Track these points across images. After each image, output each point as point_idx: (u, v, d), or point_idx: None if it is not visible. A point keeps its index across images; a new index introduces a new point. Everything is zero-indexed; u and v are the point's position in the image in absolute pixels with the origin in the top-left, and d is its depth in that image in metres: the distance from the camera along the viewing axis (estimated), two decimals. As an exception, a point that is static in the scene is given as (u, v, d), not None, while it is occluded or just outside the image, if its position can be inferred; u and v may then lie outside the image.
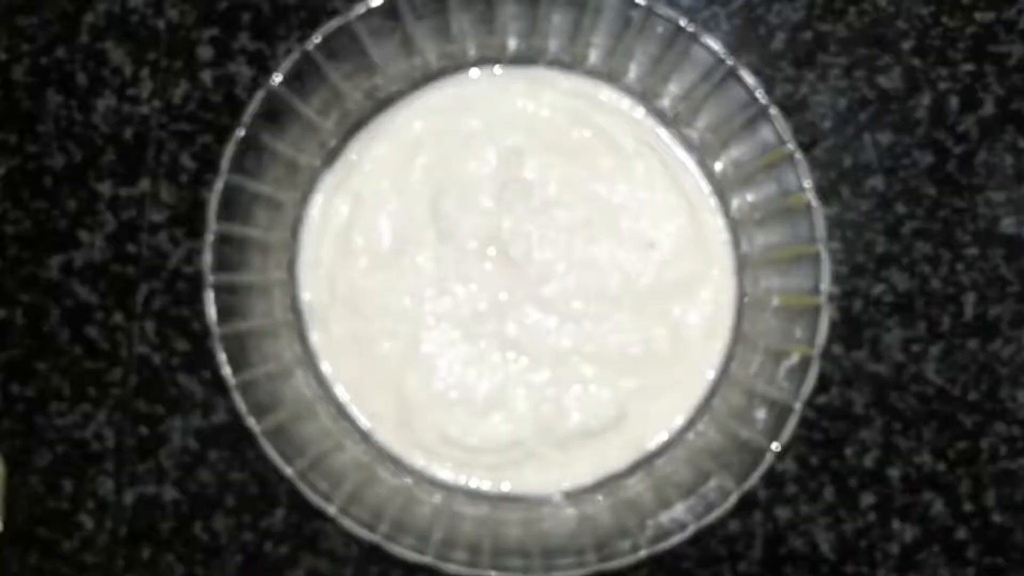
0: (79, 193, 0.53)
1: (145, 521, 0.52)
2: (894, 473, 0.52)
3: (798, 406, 0.42)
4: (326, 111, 0.46)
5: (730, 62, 0.43)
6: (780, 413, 0.43)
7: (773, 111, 0.43)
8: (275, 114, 0.45)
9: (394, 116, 0.48)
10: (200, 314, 0.46)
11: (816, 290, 0.43)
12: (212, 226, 0.43)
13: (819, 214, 0.43)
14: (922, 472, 0.52)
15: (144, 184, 0.53)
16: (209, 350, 0.44)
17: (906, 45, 0.53)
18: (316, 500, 0.41)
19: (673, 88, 0.46)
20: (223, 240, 0.43)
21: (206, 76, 0.54)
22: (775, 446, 0.42)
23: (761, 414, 0.44)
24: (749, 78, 0.43)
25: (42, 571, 0.51)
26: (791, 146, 0.43)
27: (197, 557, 0.52)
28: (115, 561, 0.52)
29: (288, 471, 0.41)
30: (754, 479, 0.43)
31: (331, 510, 0.41)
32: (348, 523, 0.41)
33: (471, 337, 0.46)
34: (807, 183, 0.42)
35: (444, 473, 0.46)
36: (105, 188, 0.53)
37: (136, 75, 0.54)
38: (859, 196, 0.53)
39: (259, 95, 0.44)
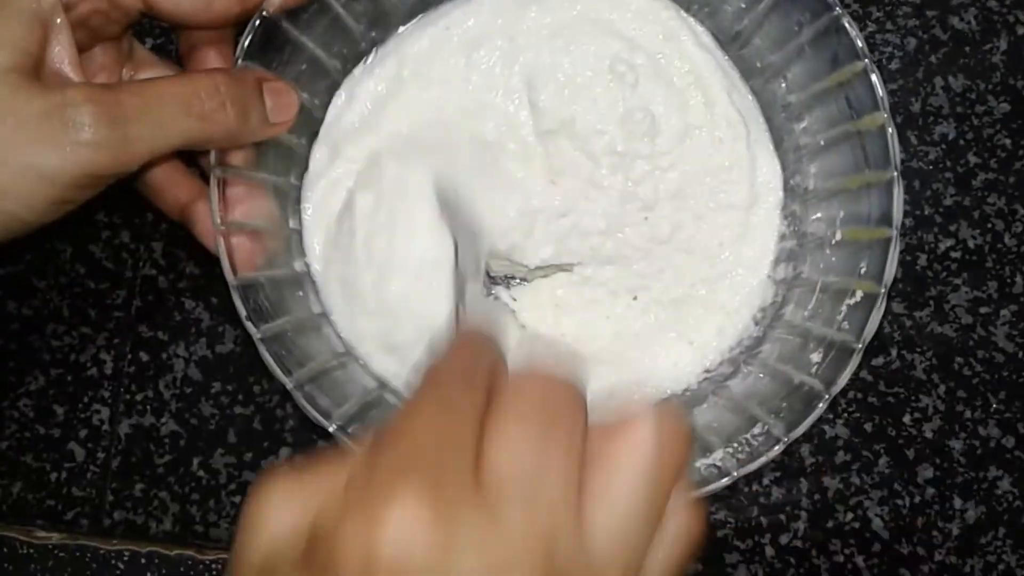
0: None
1: (139, 454, 0.48)
2: (956, 445, 0.47)
3: (860, 346, 0.38)
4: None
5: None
6: (838, 355, 0.39)
7: (847, 20, 0.39)
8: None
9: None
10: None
11: (885, 221, 0.38)
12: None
13: (894, 137, 0.38)
14: (988, 446, 0.47)
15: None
16: (219, 276, 0.40)
17: (983, -15, 0.50)
18: (314, 414, 0.37)
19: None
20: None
21: None
22: (832, 390, 0.38)
23: (816, 357, 0.40)
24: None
25: (25, 502, 0.48)
26: (867, 60, 0.39)
27: (192, 496, 0.48)
28: (104, 495, 0.48)
29: (286, 381, 0.37)
30: (805, 426, 0.39)
31: (331, 426, 0.37)
32: (347, 442, 0.37)
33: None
34: (883, 100, 0.38)
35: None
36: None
37: None
38: (927, 143, 0.49)
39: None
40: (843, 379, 0.38)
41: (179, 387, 0.48)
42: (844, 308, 0.39)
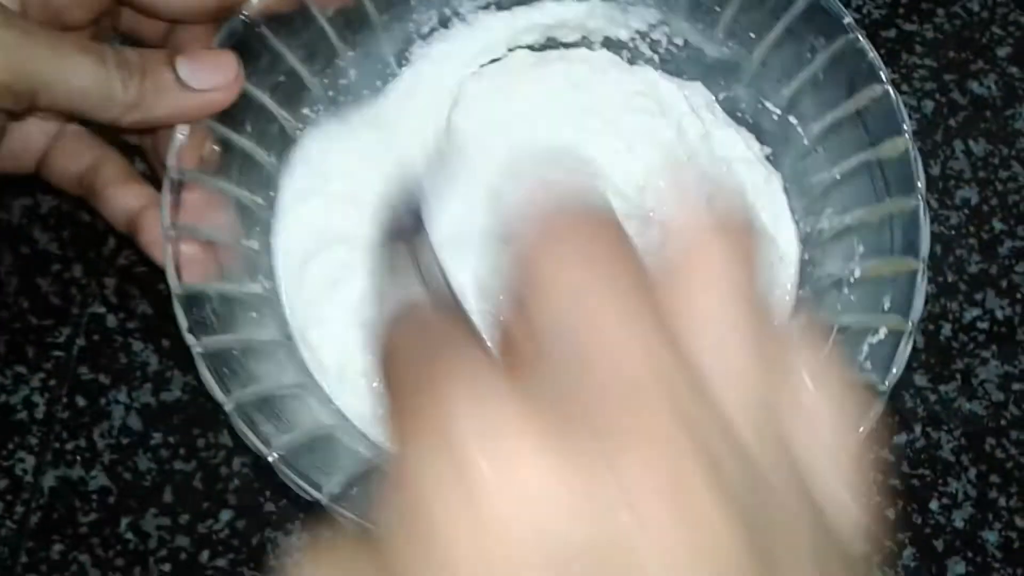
0: (60, 135, 0.47)
1: (63, 510, 0.42)
2: (991, 537, 0.41)
3: (885, 387, 0.33)
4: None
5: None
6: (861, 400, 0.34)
7: (864, 42, 0.36)
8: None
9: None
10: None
11: (911, 251, 0.35)
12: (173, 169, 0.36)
13: (918, 161, 0.35)
14: (1028, 541, 0.41)
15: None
16: (173, 316, 0.36)
17: (1002, 52, 0.47)
18: (253, 441, 0.32)
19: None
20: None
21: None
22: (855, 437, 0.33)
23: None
24: (834, 4, 0.37)
25: (-74, 560, 0.42)
26: (887, 83, 0.36)
27: (117, 562, 0.42)
28: (17, 555, 0.42)
29: (224, 400, 0.32)
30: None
31: (271, 455, 0.32)
32: (289, 474, 0.32)
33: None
34: (906, 122, 0.35)
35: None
36: (89, 132, 0.47)
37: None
38: (948, 208, 0.45)
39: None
40: (867, 424, 0.33)
41: (115, 437, 0.43)
42: (865, 348, 0.35)
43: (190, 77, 0.35)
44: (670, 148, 0.41)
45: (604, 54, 0.44)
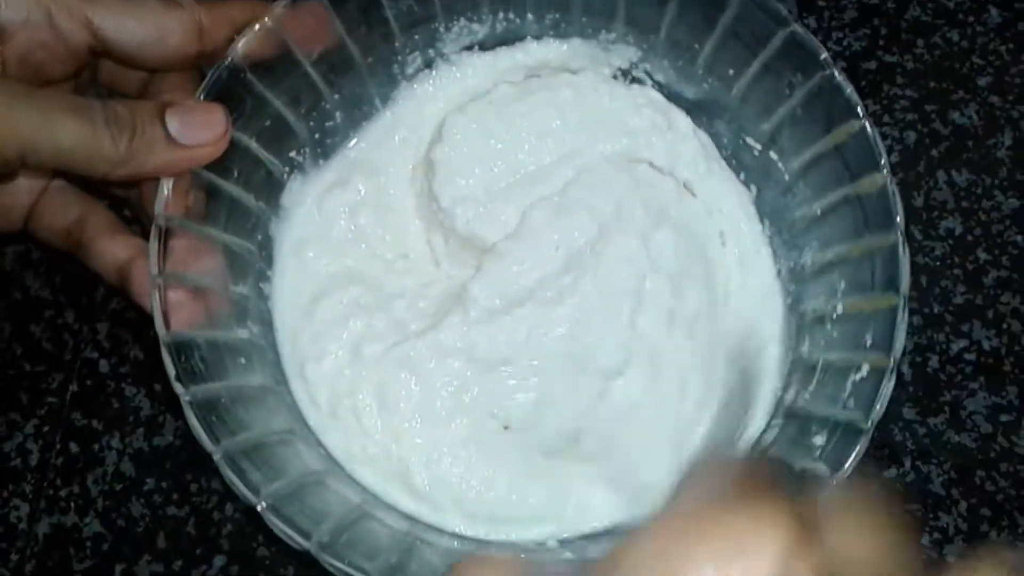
0: (52, 183, 0.48)
1: (57, 558, 0.42)
2: (984, 570, 0.41)
3: (868, 425, 0.33)
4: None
5: (792, 20, 0.37)
6: (844, 437, 0.34)
7: (841, 78, 0.37)
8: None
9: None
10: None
11: (892, 287, 0.35)
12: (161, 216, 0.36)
13: (896, 196, 0.35)
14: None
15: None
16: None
17: (982, 81, 0.48)
18: (242, 490, 0.32)
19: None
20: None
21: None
22: (838, 475, 0.33)
23: (820, 440, 0.35)
24: (810, 40, 0.37)
25: (-79, 610, 0.42)
26: (864, 119, 0.36)
27: (110, 609, 0.42)
28: (11, 604, 0.42)
29: (213, 450, 0.33)
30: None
31: (259, 504, 0.32)
32: (277, 523, 0.32)
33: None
34: (883, 158, 0.35)
35: (405, 502, 0.38)
36: (81, 179, 0.48)
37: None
38: (932, 238, 0.46)
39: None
40: (851, 462, 0.33)
41: (108, 483, 0.43)
42: (849, 385, 0.35)
43: (180, 133, 0.35)
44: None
45: (589, 75, 0.44)
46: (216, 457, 0.33)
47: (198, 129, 0.35)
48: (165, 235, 0.36)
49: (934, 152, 0.47)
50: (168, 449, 0.44)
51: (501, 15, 0.43)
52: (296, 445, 0.37)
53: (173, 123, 0.35)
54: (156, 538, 0.43)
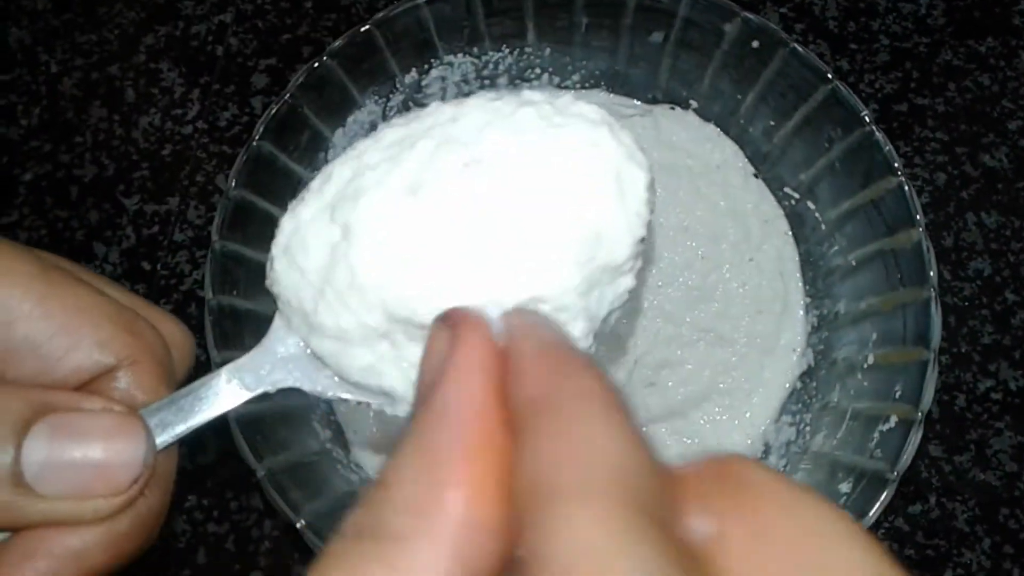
0: (103, 206, 0.50)
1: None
2: (1007, 609, 0.42)
3: (894, 476, 0.34)
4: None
5: (829, 74, 0.38)
6: (870, 485, 0.35)
7: (880, 135, 0.38)
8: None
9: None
10: (205, 345, 0.39)
11: (922, 342, 0.36)
12: (216, 242, 0.38)
13: (931, 253, 0.36)
14: (1043, 612, 0.42)
15: (172, 202, 0.49)
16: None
17: (1013, 125, 0.49)
18: (283, 507, 0.34)
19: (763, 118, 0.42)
20: (227, 260, 0.38)
21: (256, 102, 0.51)
22: (862, 522, 0.34)
23: (846, 487, 0.36)
24: (852, 97, 0.38)
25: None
26: (901, 176, 0.37)
27: (151, 622, 0.43)
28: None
29: (257, 467, 0.34)
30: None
31: (298, 522, 0.33)
32: (316, 542, 0.33)
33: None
34: (919, 215, 0.36)
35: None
36: (131, 203, 0.49)
37: (186, 96, 0.51)
38: (961, 279, 0.46)
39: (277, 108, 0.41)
40: (875, 511, 0.34)
41: (152, 499, 0.45)
42: (876, 435, 0.36)
43: (43, 472, 0.21)
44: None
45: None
46: (259, 475, 0.35)
47: (78, 468, 0.20)
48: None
49: (964, 194, 0.48)
50: (210, 467, 0.45)
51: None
52: (335, 464, 0.38)
53: (39, 446, 0.20)
54: (196, 553, 0.44)
